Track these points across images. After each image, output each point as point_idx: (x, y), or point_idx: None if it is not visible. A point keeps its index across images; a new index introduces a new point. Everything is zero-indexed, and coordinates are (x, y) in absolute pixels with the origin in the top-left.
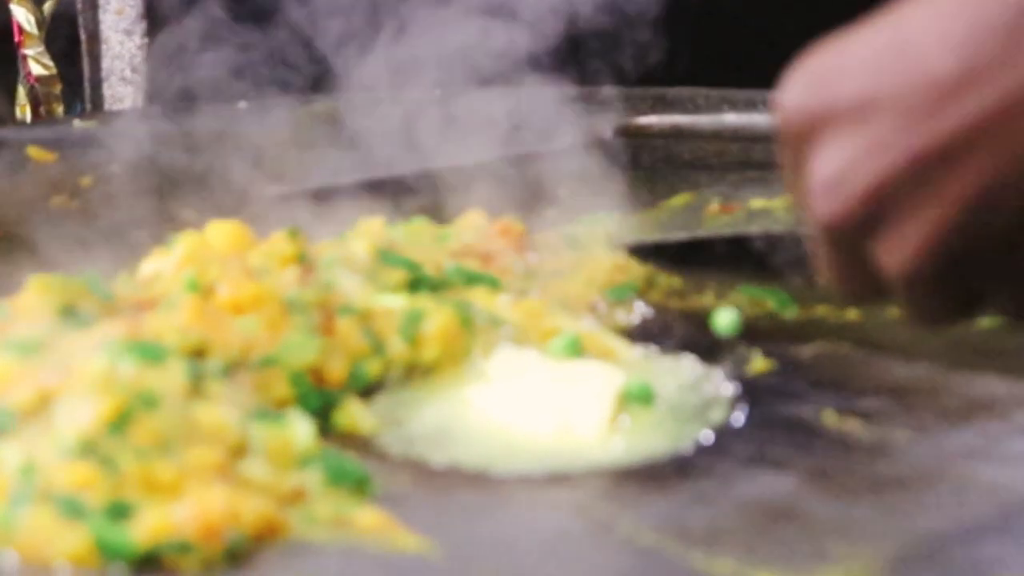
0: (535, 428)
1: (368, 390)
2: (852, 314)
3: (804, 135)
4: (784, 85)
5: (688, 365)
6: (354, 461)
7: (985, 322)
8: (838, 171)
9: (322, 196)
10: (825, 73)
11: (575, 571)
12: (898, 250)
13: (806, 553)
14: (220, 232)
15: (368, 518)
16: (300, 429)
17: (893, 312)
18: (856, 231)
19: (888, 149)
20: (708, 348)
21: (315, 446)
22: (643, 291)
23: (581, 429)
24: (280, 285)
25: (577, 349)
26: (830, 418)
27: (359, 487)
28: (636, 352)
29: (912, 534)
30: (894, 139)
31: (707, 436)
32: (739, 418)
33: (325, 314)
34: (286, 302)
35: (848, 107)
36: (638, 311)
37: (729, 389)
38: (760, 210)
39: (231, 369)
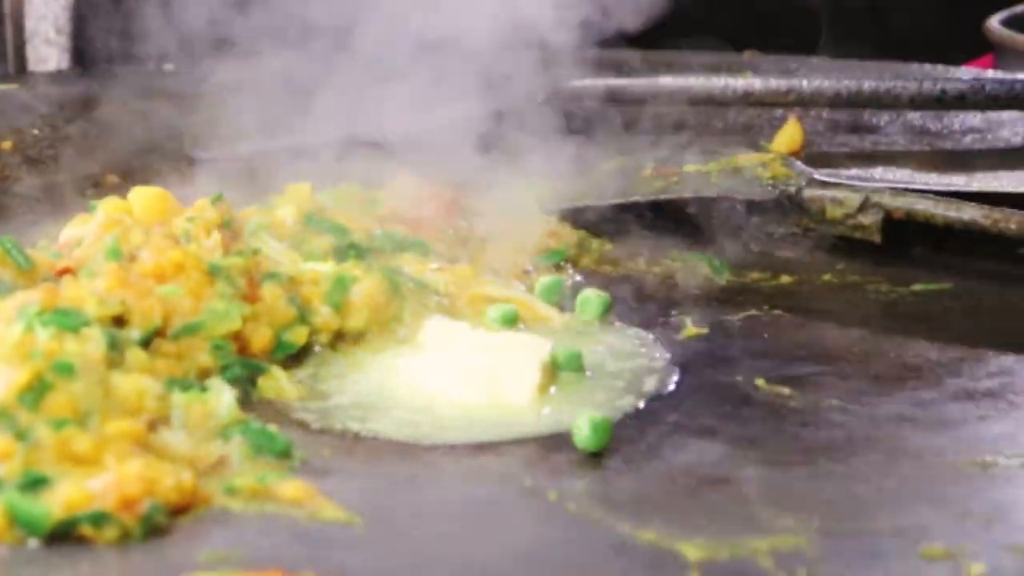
0: (464, 397)
1: (294, 358)
2: (785, 280)
3: None
4: None
5: (620, 332)
6: (277, 431)
7: (918, 287)
8: None
9: (249, 161)
10: None
11: (498, 540)
12: None
13: (734, 522)
14: (143, 198)
15: (290, 488)
16: (222, 399)
17: (827, 278)
18: None
19: None
20: (640, 315)
21: (237, 416)
22: (575, 256)
23: (510, 398)
24: (204, 252)
25: (511, 319)
26: (761, 385)
27: (282, 457)
28: (567, 319)
29: (840, 502)
30: None
31: (637, 404)
32: (670, 385)
33: (250, 281)
34: (209, 269)
35: None
36: (569, 277)
37: (661, 356)
38: (694, 174)
39: (152, 337)
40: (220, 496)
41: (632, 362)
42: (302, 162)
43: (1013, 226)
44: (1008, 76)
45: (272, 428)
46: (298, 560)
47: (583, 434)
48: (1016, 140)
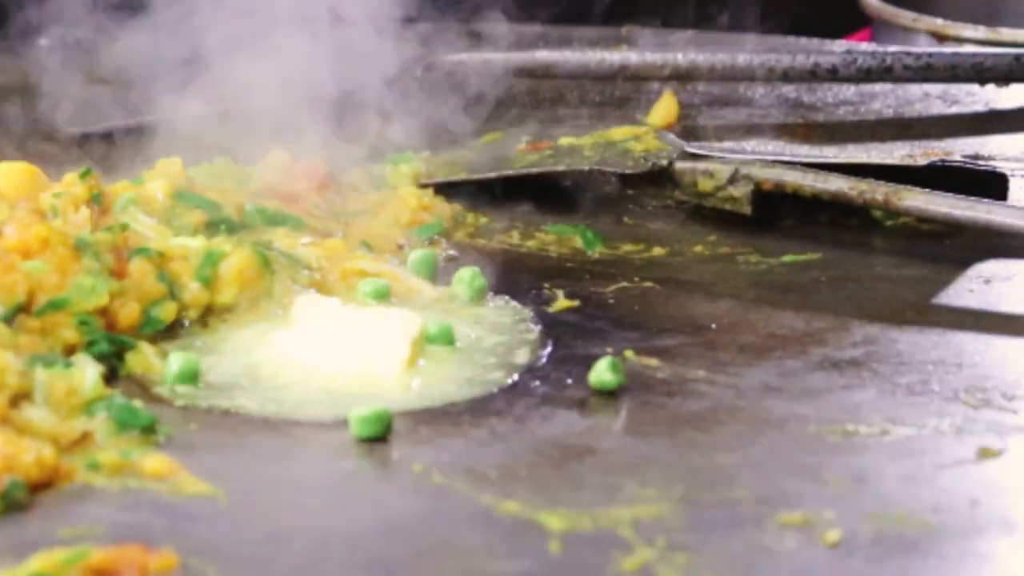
0: (333, 372)
1: (163, 334)
2: (657, 252)
3: None
4: None
5: (492, 305)
6: (142, 407)
7: (787, 258)
8: None
9: (119, 136)
10: None
11: (362, 511)
12: None
13: (597, 492)
14: (9, 173)
15: (153, 463)
16: (86, 374)
17: (698, 250)
18: None
19: None
20: (513, 288)
21: (101, 392)
22: (449, 230)
23: (379, 372)
24: (71, 227)
25: (383, 294)
26: (630, 356)
27: (146, 433)
28: (440, 293)
29: (703, 471)
30: None
31: (508, 376)
32: (541, 358)
33: (118, 256)
34: (76, 244)
35: None
36: (444, 250)
37: (532, 329)
38: (568, 148)
39: (16, 313)
40: (83, 472)
41: (503, 335)
42: (173, 137)
43: (879, 197)
44: (879, 49)
45: (137, 404)
46: (159, 534)
47: (356, 424)
48: (888, 112)
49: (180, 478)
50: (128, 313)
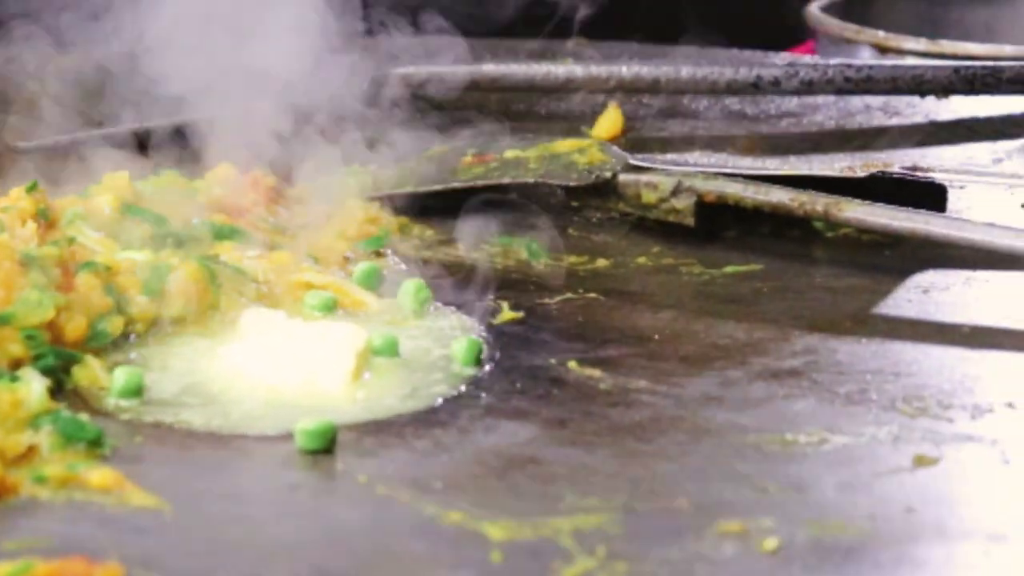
0: (279, 385)
1: (110, 347)
2: (601, 263)
3: None
4: None
5: (437, 317)
6: (87, 420)
7: (730, 268)
8: None
9: (67, 150)
10: None
11: (306, 522)
12: None
13: (538, 502)
14: None
15: (99, 476)
16: (32, 388)
17: (641, 261)
18: None
19: None
20: (459, 299)
21: (47, 405)
22: (395, 243)
23: (325, 385)
24: (17, 241)
25: (330, 306)
26: (573, 367)
27: (92, 446)
28: (386, 305)
29: (643, 481)
30: None
31: (451, 388)
32: (484, 369)
33: (65, 270)
34: (22, 258)
35: None
36: (390, 263)
37: (476, 341)
38: (513, 160)
39: None
40: (28, 485)
41: (448, 347)
42: (120, 151)
43: (820, 208)
44: (821, 61)
45: (83, 417)
46: (104, 547)
47: (301, 437)
48: (830, 124)
49: (126, 491)
50: (75, 327)
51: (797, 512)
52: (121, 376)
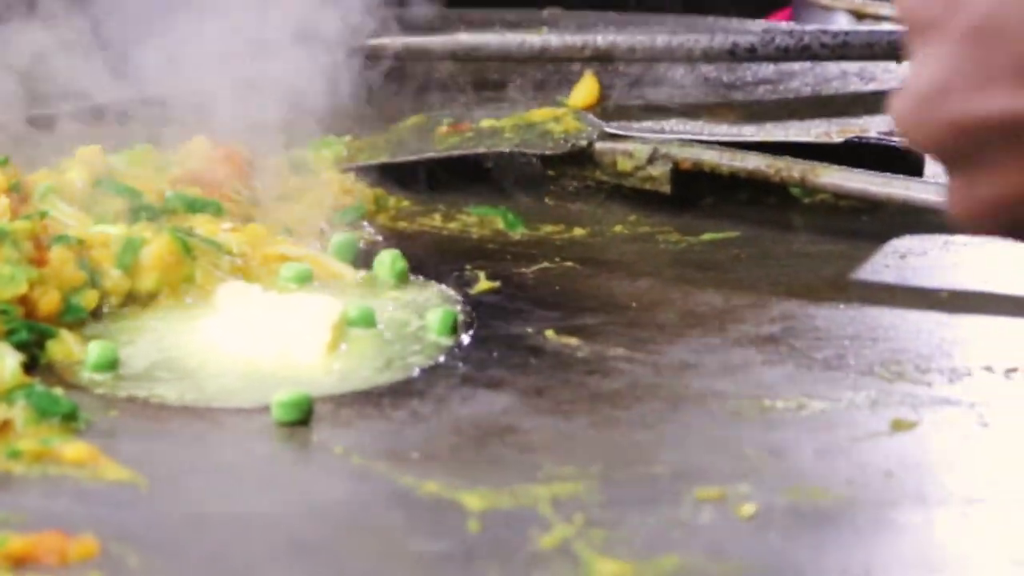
0: (255, 358)
1: (84, 322)
2: (578, 232)
3: (916, 26)
4: None
5: (414, 288)
6: (62, 395)
7: (707, 236)
8: (933, 87)
9: (39, 123)
10: None
11: (282, 494)
12: (963, 193)
13: (516, 471)
14: None
15: (74, 451)
16: (6, 363)
17: (618, 229)
18: (929, 152)
19: (993, 91)
20: (435, 270)
21: (21, 380)
22: (371, 214)
23: (301, 357)
24: None
25: (305, 278)
26: (550, 336)
27: (66, 420)
28: (362, 276)
29: (621, 448)
30: (1002, 84)
31: (428, 358)
32: (461, 339)
33: (37, 245)
34: None
35: (970, 21)
36: (366, 234)
37: (451, 311)
38: (489, 130)
39: None
40: (2, 460)
41: (424, 318)
42: (93, 125)
43: (796, 174)
44: (797, 28)
45: (57, 391)
46: (79, 521)
47: (277, 409)
48: (806, 91)
49: (100, 465)
50: (48, 301)
51: (775, 478)
52: (95, 350)
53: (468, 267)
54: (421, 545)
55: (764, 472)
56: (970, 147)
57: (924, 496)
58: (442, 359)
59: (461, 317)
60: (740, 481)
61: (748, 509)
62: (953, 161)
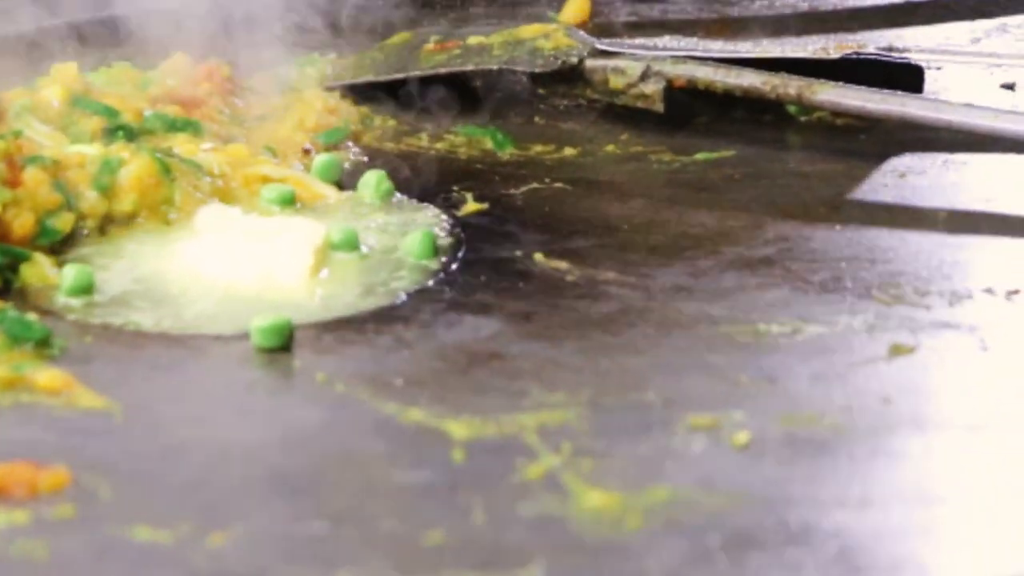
0: (235, 283)
1: (59, 245)
2: (568, 152)
3: None
4: None
5: (400, 210)
6: (35, 320)
7: (700, 155)
8: None
9: (11, 42)
10: None
11: (262, 422)
12: None
13: (503, 398)
14: None
15: (47, 378)
16: None
17: (610, 149)
18: None
19: None
20: (422, 191)
21: None
22: (356, 133)
23: (282, 282)
24: None
25: (288, 200)
26: (540, 259)
27: (40, 346)
28: (346, 197)
29: (611, 375)
30: None
31: (413, 283)
32: (448, 263)
33: (11, 165)
34: None
35: None
36: (350, 154)
37: (429, 233)
38: (477, 47)
39: None
40: None
41: (410, 240)
42: (68, 42)
43: (792, 91)
44: None
45: (31, 316)
46: (52, 451)
47: (257, 335)
48: (803, 6)
49: (74, 392)
50: (22, 223)
51: (769, 405)
52: (70, 273)
53: (456, 188)
54: (404, 475)
55: (758, 399)
56: None
57: (923, 423)
58: (428, 283)
59: (448, 240)
60: (733, 408)
61: (742, 437)
62: None
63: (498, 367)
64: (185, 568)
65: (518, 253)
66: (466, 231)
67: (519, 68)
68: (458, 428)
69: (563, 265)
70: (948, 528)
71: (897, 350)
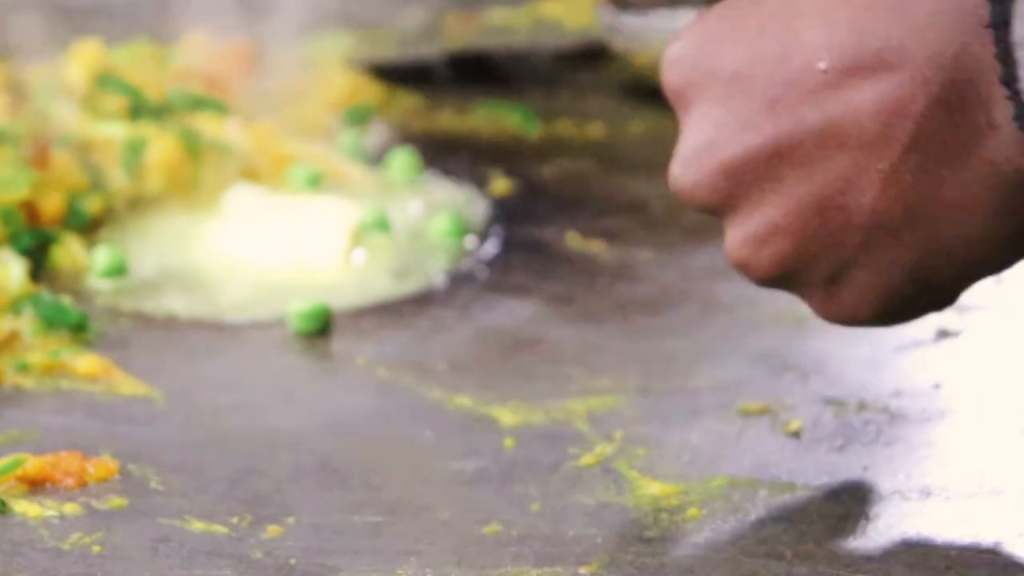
0: (268, 266)
1: (89, 227)
2: (595, 131)
3: (681, 99)
4: (674, 41)
5: (428, 190)
6: (71, 303)
7: None
8: (701, 143)
9: (36, 19)
10: (712, 37)
11: (306, 408)
12: (736, 237)
13: (548, 383)
14: None
15: (86, 364)
16: (11, 270)
17: (636, 127)
18: (709, 207)
19: (749, 130)
20: (449, 171)
21: (28, 288)
22: (381, 112)
23: (316, 265)
24: None
25: (315, 180)
26: (574, 240)
27: (76, 331)
28: (373, 177)
29: (656, 359)
30: (757, 121)
31: (446, 264)
32: (480, 244)
33: (38, 146)
34: None
35: (724, 79)
36: (376, 133)
37: (471, 214)
38: (500, 24)
39: None
40: (11, 374)
41: (441, 222)
42: (90, 19)
43: None
44: None
45: (66, 300)
46: (95, 439)
47: (295, 319)
48: None
49: (114, 379)
50: (52, 205)
51: (819, 390)
52: (103, 254)
53: (483, 166)
54: (457, 464)
55: (807, 384)
56: (740, 188)
57: (977, 408)
58: (461, 264)
59: (479, 220)
60: (783, 394)
61: (794, 424)
62: (728, 207)
63: (541, 351)
64: (244, 561)
65: (550, 233)
66: (496, 210)
67: (544, 45)
68: (506, 415)
69: (597, 245)
70: (1012, 519)
71: (945, 334)
